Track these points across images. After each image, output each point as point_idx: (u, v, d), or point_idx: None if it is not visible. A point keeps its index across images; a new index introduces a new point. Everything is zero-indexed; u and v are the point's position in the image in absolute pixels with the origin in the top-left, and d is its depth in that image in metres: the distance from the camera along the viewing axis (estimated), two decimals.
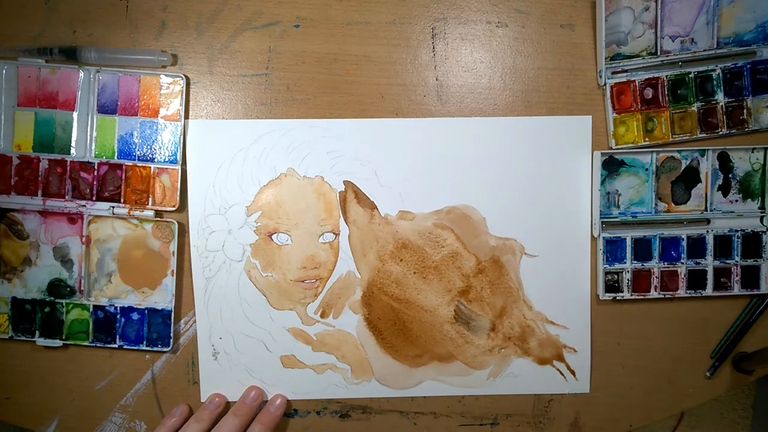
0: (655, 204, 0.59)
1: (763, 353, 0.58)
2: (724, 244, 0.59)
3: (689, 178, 0.59)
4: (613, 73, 0.58)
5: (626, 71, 0.58)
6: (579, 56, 0.59)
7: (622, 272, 0.59)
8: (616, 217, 0.59)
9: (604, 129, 0.59)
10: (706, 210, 0.59)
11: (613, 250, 0.59)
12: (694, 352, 0.61)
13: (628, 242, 0.59)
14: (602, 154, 0.58)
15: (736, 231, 0.59)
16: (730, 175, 0.59)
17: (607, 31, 0.57)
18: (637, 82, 0.58)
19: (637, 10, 0.57)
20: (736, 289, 0.59)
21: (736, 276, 0.59)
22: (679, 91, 0.58)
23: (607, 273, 0.59)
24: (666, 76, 0.58)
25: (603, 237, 0.59)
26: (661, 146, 0.59)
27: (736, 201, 0.60)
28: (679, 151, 0.59)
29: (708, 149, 0.58)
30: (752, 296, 0.60)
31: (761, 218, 0.59)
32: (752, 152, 0.59)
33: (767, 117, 0.58)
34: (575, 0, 0.59)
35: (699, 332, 0.61)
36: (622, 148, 0.58)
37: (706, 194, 0.59)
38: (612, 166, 0.59)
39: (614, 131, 0.58)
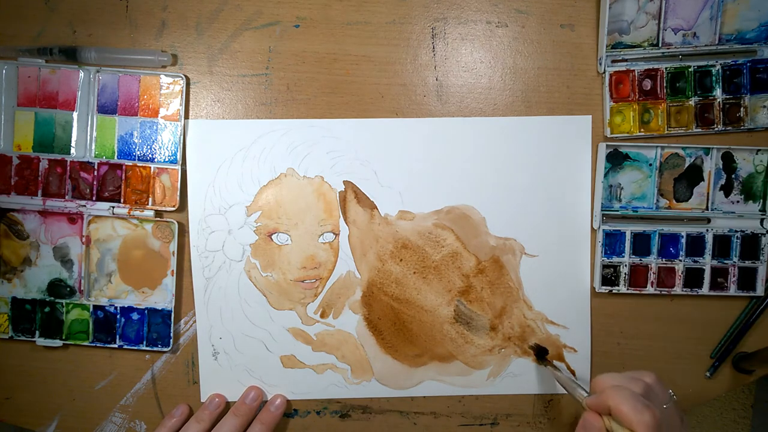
0: (657, 200, 0.59)
1: (762, 353, 0.58)
2: (723, 244, 0.59)
3: (692, 175, 0.59)
4: (613, 61, 0.58)
5: (626, 60, 0.58)
6: (579, 56, 0.59)
7: (619, 266, 0.59)
8: (617, 211, 0.59)
9: (601, 118, 0.59)
10: (707, 209, 0.59)
11: (612, 243, 0.59)
12: (694, 352, 0.61)
13: (628, 236, 0.59)
14: (607, 146, 0.58)
15: (736, 232, 0.59)
16: (733, 176, 0.59)
17: (610, 18, 0.57)
18: (636, 72, 0.58)
19: (642, 0, 0.57)
20: (732, 290, 0.59)
21: (733, 277, 0.59)
22: (677, 84, 0.58)
23: (604, 266, 0.59)
24: (666, 68, 0.58)
25: (603, 229, 0.59)
26: (657, 138, 0.59)
27: (738, 202, 0.60)
28: (683, 148, 0.59)
29: (712, 148, 0.58)
30: (748, 298, 0.60)
31: (761, 220, 0.59)
32: (756, 154, 0.59)
33: (763, 116, 0.58)
34: (575, 0, 0.59)
35: (699, 332, 0.61)
36: (618, 137, 0.58)
37: (708, 193, 0.59)
38: (616, 159, 0.59)
39: (610, 120, 0.58)
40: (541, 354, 0.60)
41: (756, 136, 0.59)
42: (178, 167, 0.58)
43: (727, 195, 0.60)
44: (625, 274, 0.59)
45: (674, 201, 0.60)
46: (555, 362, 0.58)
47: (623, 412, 0.42)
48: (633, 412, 0.41)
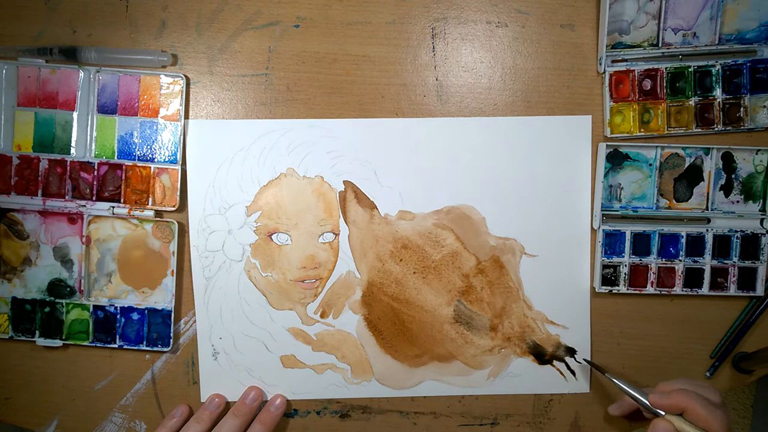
0: (657, 200, 0.59)
1: (762, 353, 0.58)
2: (722, 244, 0.59)
3: (692, 176, 0.59)
4: (613, 61, 0.58)
5: (626, 60, 0.58)
6: (579, 56, 0.59)
7: (619, 266, 0.59)
8: (617, 211, 0.59)
9: (601, 118, 0.59)
10: (707, 209, 0.59)
11: (612, 243, 0.59)
12: (694, 352, 0.61)
13: (627, 236, 0.59)
14: (607, 146, 0.58)
15: (736, 232, 0.59)
16: (733, 176, 0.59)
17: (610, 18, 0.57)
18: (636, 72, 0.58)
19: (642, 1, 0.57)
20: (732, 290, 0.59)
21: (733, 277, 0.59)
22: (677, 84, 0.58)
23: (604, 266, 0.59)
24: (666, 68, 0.58)
25: (603, 229, 0.59)
26: (657, 138, 0.59)
27: (738, 202, 0.60)
28: (683, 149, 0.59)
29: (712, 148, 0.58)
30: (748, 298, 0.60)
31: (761, 220, 0.59)
32: (756, 154, 0.59)
33: (763, 116, 0.58)
34: (575, 0, 0.59)
35: (699, 332, 0.61)
36: (618, 138, 0.59)
37: (708, 193, 0.59)
38: (616, 159, 0.59)
39: (610, 120, 0.58)
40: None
41: (756, 136, 0.59)
42: (178, 167, 0.58)
43: (727, 195, 0.60)
44: (625, 274, 0.59)
45: (674, 201, 0.60)
46: (611, 376, 0.55)
47: (698, 412, 0.46)
48: (706, 412, 0.46)
